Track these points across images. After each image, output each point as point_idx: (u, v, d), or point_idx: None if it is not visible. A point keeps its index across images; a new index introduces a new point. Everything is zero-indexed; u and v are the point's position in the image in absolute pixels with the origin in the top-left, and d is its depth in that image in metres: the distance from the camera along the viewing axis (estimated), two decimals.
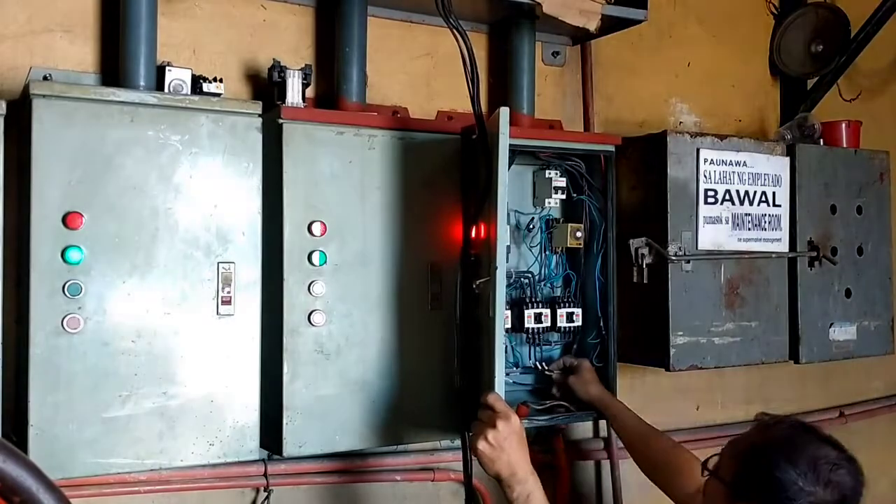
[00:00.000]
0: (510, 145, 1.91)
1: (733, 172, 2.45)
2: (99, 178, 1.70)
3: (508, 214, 2.24)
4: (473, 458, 1.80)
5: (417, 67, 2.42)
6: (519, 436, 1.72)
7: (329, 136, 1.95)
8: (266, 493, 2.12)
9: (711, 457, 1.64)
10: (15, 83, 1.89)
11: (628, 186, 2.46)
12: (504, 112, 1.82)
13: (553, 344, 2.36)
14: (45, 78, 1.89)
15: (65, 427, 1.66)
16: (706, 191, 2.40)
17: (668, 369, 2.35)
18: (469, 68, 1.90)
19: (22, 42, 1.93)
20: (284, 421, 1.88)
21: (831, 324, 2.65)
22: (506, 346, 2.25)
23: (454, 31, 1.89)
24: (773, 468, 1.50)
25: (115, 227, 1.71)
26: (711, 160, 2.41)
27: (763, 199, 2.51)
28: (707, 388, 2.94)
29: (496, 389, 1.78)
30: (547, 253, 2.36)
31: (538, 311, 2.24)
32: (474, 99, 1.93)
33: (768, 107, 3.13)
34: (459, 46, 1.90)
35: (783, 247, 2.56)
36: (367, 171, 1.99)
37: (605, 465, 2.70)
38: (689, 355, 2.37)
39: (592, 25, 2.37)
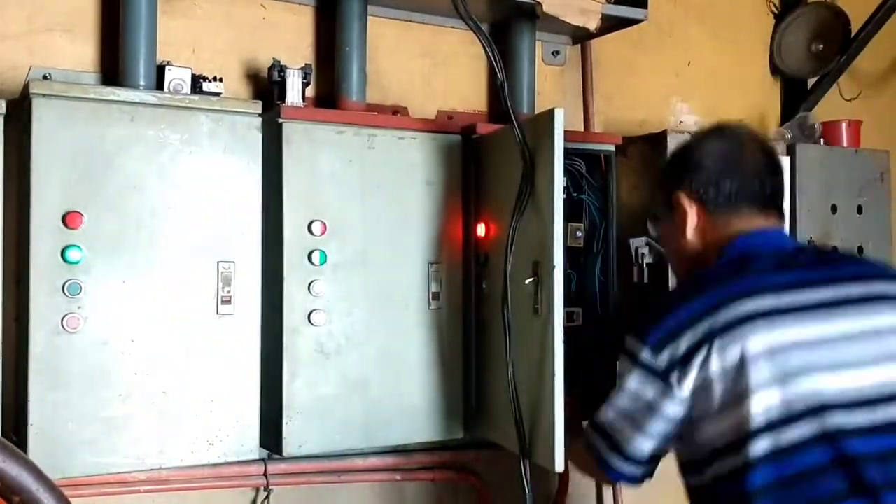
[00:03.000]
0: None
1: None
2: (99, 178, 1.70)
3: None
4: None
5: (417, 67, 2.42)
6: None
7: (329, 135, 1.95)
8: (266, 493, 2.11)
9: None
10: (15, 83, 1.89)
11: (629, 186, 2.46)
12: (559, 113, 1.81)
13: None
14: (44, 77, 1.89)
15: (64, 427, 1.66)
16: None
17: None
18: (498, 71, 1.94)
19: (22, 42, 1.93)
20: (284, 421, 1.88)
21: None
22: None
23: (478, 35, 1.93)
24: (677, 153, 1.64)
25: (115, 227, 1.71)
26: None
27: None
28: None
29: (556, 389, 1.78)
30: None
31: None
32: (505, 100, 1.93)
33: (768, 106, 3.12)
34: (484, 49, 1.93)
35: None
36: (367, 170, 1.99)
37: None
38: None
39: (592, 25, 2.37)
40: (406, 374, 2.03)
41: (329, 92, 2.19)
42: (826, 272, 1.46)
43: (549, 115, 1.82)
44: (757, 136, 1.63)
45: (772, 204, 1.58)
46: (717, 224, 1.54)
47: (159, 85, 1.86)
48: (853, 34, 2.88)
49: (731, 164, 1.54)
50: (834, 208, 2.67)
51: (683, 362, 1.35)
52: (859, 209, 2.72)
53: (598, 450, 1.50)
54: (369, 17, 2.20)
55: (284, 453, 1.90)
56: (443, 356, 2.08)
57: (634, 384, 1.42)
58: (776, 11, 3.10)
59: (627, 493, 2.65)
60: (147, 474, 1.94)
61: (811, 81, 3.06)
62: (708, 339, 1.34)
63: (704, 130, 1.65)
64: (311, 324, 1.90)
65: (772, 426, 1.30)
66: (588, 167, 2.27)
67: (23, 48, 1.93)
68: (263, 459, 2.08)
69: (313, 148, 1.93)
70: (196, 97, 1.82)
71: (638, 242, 2.34)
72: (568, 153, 2.24)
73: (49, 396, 1.65)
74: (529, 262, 1.88)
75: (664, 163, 1.69)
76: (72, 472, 1.68)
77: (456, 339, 2.10)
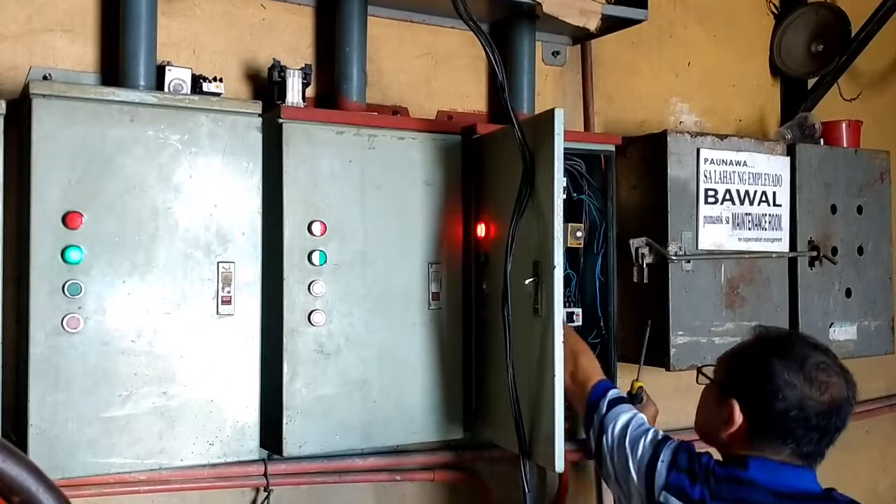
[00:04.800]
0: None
1: (733, 172, 2.45)
2: (99, 178, 1.70)
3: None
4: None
5: (417, 67, 2.42)
6: None
7: (329, 135, 1.95)
8: (266, 493, 2.11)
9: (706, 366, 1.69)
10: (15, 83, 1.89)
11: (628, 186, 2.46)
12: (559, 113, 1.82)
13: None
14: (44, 77, 1.89)
15: (65, 427, 1.66)
16: (706, 190, 2.40)
17: (668, 369, 2.35)
18: (498, 71, 1.94)
19: (22, 42, 1.93)
20: (284, 421, 1.88)
21: (831, 323, 2.65)
22: None
23: (478, 36, 1.93)
24: (759, 361, 1.55)
25: (115, 227, 1.71)
26: (712, 160, 2.41)
27: (763, 198, 2.51)
28: None
29: (556, 389, 1.79)
30: None
31: None
32: (505, 100, 1.93)
33: (768, 106, 3.12)
34: (485, 49, 1.94)
35: (783, 246, 2.56)
36: (367, 170, 1.99)
37: None
38: (689, 355, 2.36)
39: (592, 25, 2.37)
40: (406, 375, 2.03)
41: (329, 92, 2.19)
42: None
43: (549, 115, 1.82)
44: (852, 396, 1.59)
45: (817, 453, 1.60)
46: (752, 443, 1.60)
47: (159, 85, 1.87)
48: (853, 34, 2.88)
49: (807, 420, 1.54)
50: (834, 208, 2.67)
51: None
52: (859, 209, 2.73)
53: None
54: (369, 18, 2.20)
55: (284, 453, 1.90)
56: (443, 356, 2.08)
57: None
58: (776, 11, 3.10)
59: None
60: (147, 474, 1.94)
61: (811, 81, 3.06)
62: None
63: (813, 363, 1.57)
64: (311, 324, 1.90)
65: None
66: (588, 167, 2.27)
67: (23, 48, 1.93)
68: (263, 459, 2.08)
69: (313, 148, 1.93)
70: (196, 97, 1.82)
71: (638, 242, 2.33)
72: (568, 153, 2.25)
73: (49, 397, 1.65)
74: (529, 262, 1.89)
75: (753, 353, 1.64)
76: (72, 473, 1.68)
77: (456, 340, 2.10)
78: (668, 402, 2.84)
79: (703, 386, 1.75)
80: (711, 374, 1.73)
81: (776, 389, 1.53)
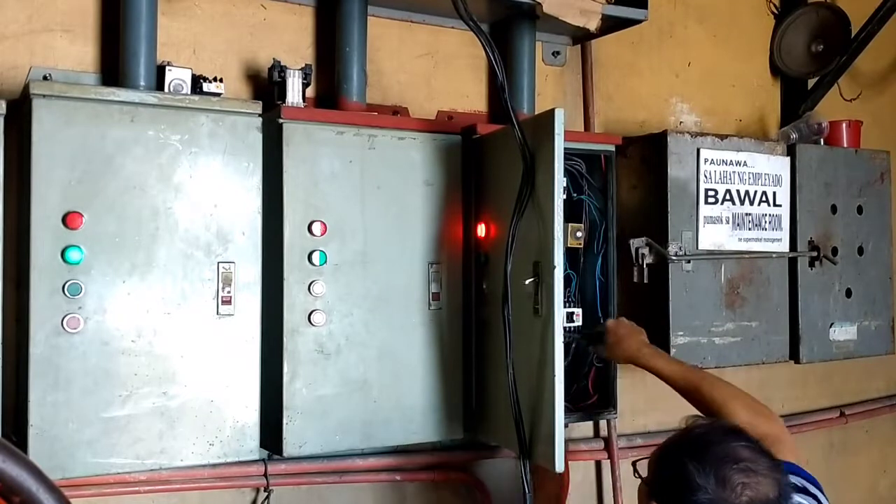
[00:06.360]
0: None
1: (734, 172, 2.45)
2: (99, 178, 1.70)
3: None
4: None
5: (417, 67, 2.42)
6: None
7: (329, 135, 1.95)
8: (266, 493, 2.11)
9: (640, 459, 1.63)
10: (15, 83, 1.89)
11: (628, 186, 2.46)
12: (559, 113, 1.82)
13: None
14: (45, 78, 1.89)
15: (65, 427, 1.66)
16: (706, 190, 2.40)
17: None
18: (498, 71, 1.94)
19: (22, 42, 1.93)
20: (284, 421, 1.88)
21: (832, 324, 2.65)
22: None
23: (479, 36, 1.93)
24: (675, 464, 1.48)
25: (115, 227, 1.71)
26: (712, 160, 2.41)
27: (763, 198, 2.51)
28: None
29: (556, 389, 1.78)
30: None
31: None
32: (505, 100, 1.94)
33: (768, 106, 3.12)
34: (485, 49, 1.94)
35: (784, 247, 2.56)
36: (367, 170, 1.99)
37: (606, 465, 2.70)
38: (689, 355, 2.36)
39: (593, 25, 2.37)
40: (406, 375, 2.03)
41: (329, 92, 2.19)
42: None
43: (550, 115, 1.82)
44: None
45: None
46: None
47: (159, 85, 1.86)
48: (853, 34, 2.88)
49: None
50: (834, 208, 2.67)
51: None
52: (859, 209, 2.73)
53: None
54: (369, 18, 2.20)
55: (284, 453, 1.90)
56: (443, 356, 2.08)
57: None
58: (776, 11, 3.10)
59: (627, 493, 2.65)
60: (147, 474, 1.94)
61: (811, 81, 3.06)
62: None
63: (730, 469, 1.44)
64: (311, 324, 1.90)
65: None
66: (588, 167, 2.27)
67: (23, 48, 1.93)
68: (263, 459, 2.08)
69: (313, 148, 1.93)
70: (196, 97, 1.82)
71: (638, 242, 2.34)
72: (568, 153, 2.25)
73: (49, 397, 1.65)
74: (529, 263, 1.89)
75: (671, 453, 1.53)
76: (72, 473, 1.68)
77: (456, 340, 2.10)
78: (669, 401, 2.84)
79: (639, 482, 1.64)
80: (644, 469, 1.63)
81: (688, 493, 1.43)
